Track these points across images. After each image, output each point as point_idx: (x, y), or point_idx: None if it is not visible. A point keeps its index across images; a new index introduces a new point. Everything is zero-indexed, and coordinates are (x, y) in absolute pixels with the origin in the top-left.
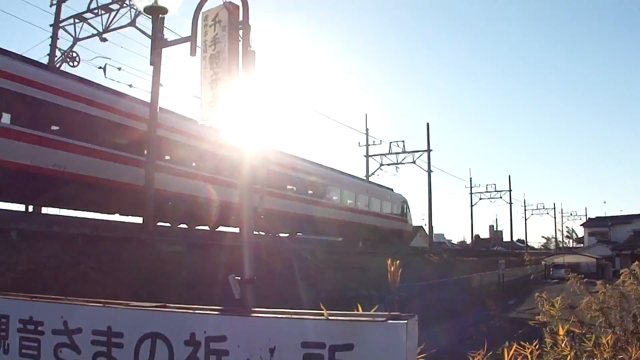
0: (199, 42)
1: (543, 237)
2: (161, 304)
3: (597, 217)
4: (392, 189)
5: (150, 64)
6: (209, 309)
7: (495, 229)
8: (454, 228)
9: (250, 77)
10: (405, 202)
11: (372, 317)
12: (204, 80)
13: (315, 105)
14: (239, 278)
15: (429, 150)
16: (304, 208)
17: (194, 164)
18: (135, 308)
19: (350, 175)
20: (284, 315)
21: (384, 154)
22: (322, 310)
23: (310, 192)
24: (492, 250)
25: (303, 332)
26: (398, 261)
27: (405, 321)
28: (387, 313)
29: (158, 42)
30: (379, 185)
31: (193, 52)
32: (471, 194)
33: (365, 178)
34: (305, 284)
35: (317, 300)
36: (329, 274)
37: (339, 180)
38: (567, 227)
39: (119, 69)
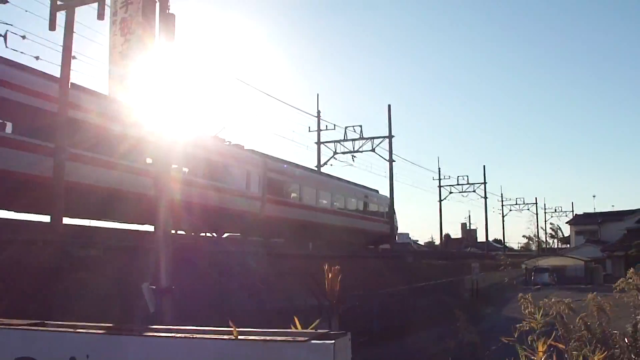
0: (108, 1)
1: (524, 236)
2: (39, 321)
3: (585, 214)
4: (377, 190)
5: (50, 29)
6: (95, 327)
7: (468, 228)
8: (421, 227)
9: (169, 46)
10: (390, 204)
11: (293, 337)
12: (114, 49)
13: (260, 85)
14: (155, 287)
15: (390, 137)
16: (248, 204)
17: (110, 151)
18: (5, 327)
19: (336, 178)
20: (182, 335)
21: (339, 141)
22: (232, 327)
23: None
24: (464, 252)
25: (205, 355)
26: (337, 266)
27: (333, 341)
28: (313, 331)
29: (55, 4)
30: (363, 186)
31: (101, 15)
32: (440, 186)
33: (317, 169)
34: (245, 293)
35: (260, 314)
36: (275, 281)
37: (307, 178)
38: (551, 224)
39: (23, 37)
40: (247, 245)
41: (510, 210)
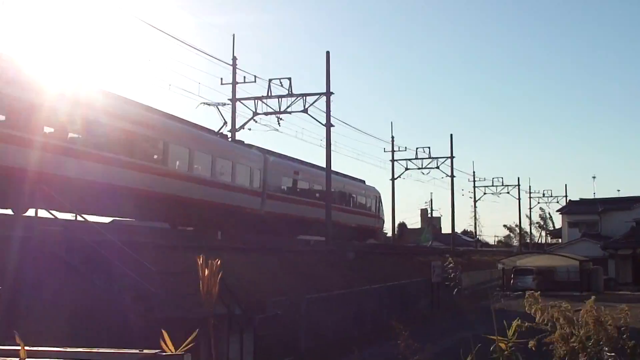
0: None
1: (505, 226)
2: None
3: (582, 200)
4: (364, 181)
5: None
6: None
7: (429, 215)
8: None
9: None
10: (378, 196)
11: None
12: None
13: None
14: None
15: (328, 94)
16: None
17: None
18: None
19: (317, 167)
20: None
21: (261, 98)
22: (19, 346)
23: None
24: (424, 247)
25: None
26: (218, 260)
27: None
28: (138, 352)
29: None
30: (346, 175)
31: None
32: (393, 160)
33: (230, 133)
34: (130, 296)
35: (148, 324)
36: (170, 282)
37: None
38: (541, 209)
39: None
40: (140, 234)
41: (485, 193)
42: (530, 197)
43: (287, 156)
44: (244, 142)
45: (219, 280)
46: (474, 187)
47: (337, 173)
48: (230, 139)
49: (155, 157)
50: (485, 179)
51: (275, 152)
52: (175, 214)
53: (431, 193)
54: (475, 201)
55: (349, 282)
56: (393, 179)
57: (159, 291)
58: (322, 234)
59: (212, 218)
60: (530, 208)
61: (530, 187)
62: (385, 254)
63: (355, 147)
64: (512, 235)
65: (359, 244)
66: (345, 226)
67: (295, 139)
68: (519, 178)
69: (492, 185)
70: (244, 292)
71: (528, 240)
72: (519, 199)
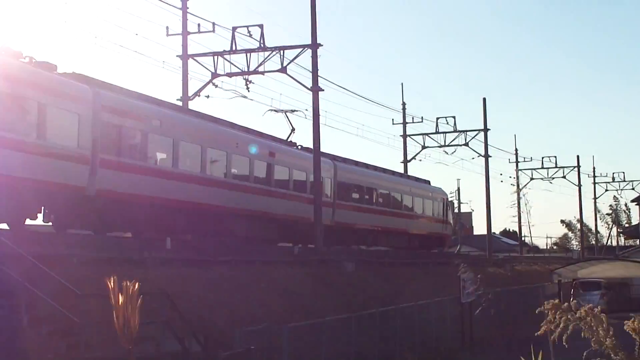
0: None
1: (562, 222)
2: None
3: None
4: (429, 182)
5: None
6: None
7: (455, 210)
8: None
9: None
10: (445, 199)
11: None
12: None
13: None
14: None
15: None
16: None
17: None
18: None
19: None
20: None
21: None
22: None
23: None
24: (450, 253)
25: None
26: (136, 283)
27: None
28: None
29: None
30: (410, 176)
31: None
32: (405, 136)
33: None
34: (46, 330)
35: None
36: (98, 307)
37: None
38: (615, 198)
39: None
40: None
41: (532, 178)
42: (595, 183)
43: (352, 160)
44: (310, 149)
45: (136, 307)
46: (517, 170)
47: (399, 174)
48: (300, 148)
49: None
50: (532, 159)
51: (342, 157)
52: (256, 229)
53: (458, 180)
54: (519, 189)
55: (347, 303)
56: (405, 161)
57: (85, 322)
58: (400, 243)
59: (286, 231)
60: (595, 198)
61: (594, 168)
62: (397, 263)
63: (352, 118)
64: (570, 235)
65: (360, 250)
66: (411, 234)
67: (270, 108)
68: (578, 157)
69: (542, 168)
70: (205, 321)
71: (593, 242)
72: (580, 185)
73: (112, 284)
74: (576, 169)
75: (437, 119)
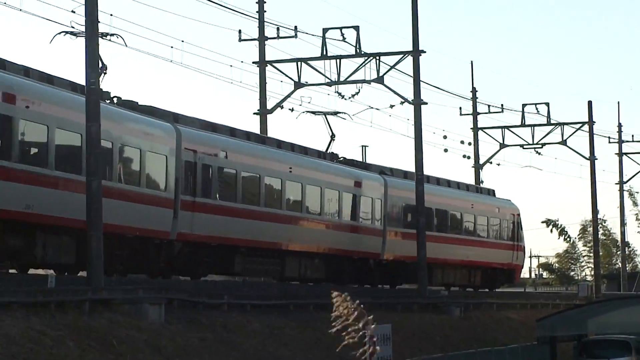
0: None
1: (548, 222)
2: None
3: None
4: (494, 192)
5: None
6: None
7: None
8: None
9: None
10: (516, 214)
11: None
12: None
13: None
14: None
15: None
16: None
17: None
18: None
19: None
20: None
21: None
22: None
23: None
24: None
25: None
26: None
27: None
28: None
29: None
30: (474, 187)
31: None
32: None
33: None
34: None
35: None
36: None
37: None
38: None
39: None
40: None
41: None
42: (622, 154)
43: (401, 170)
44: (355, 161)
45: None
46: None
47: (456, 184)
48: (342, 160)
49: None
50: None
51: (388, 168)
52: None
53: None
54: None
55: None
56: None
57: None
58: (459, 278)
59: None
60: (622, 182)
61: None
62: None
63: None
64: (578, 250)
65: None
66: (472, 267)
67: (307, 110)
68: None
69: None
70: None
71: (618, 265)
72: (593, 156)
73: None
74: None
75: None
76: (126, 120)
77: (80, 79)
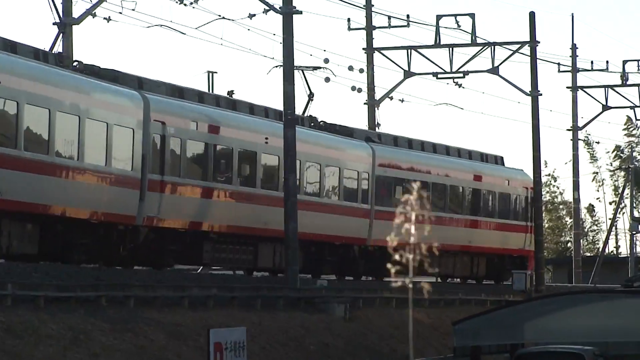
0: None
1: None
2: None
3: None
4: (502, 159)
5: None
6: None
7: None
8: None
9: None
10: (530, 188)
11: None
12: None
13: None
14: None
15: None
16: None
17: None
18: None
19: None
20: None
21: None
22: None
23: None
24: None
25: None
26: None
27: None
28: None
29: None
30: (479, 153)
31: None
32: (576, 89)
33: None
34: None
35: None
36: None
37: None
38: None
39: None
40: None
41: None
42: (576, 88)
43: (390, 135)
44: (338, 125)
45: None
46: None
47: (456, 150)
48: (322, 124)
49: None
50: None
51: (375, 132)
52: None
53: None
54: None
55: None
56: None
57: None
58: (459, 268)
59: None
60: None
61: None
62: None
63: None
64: None
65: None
66: (474, 253)
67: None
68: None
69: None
70: None
71: (569, 242)
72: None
73: None
74: None
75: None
76: (93, 90)
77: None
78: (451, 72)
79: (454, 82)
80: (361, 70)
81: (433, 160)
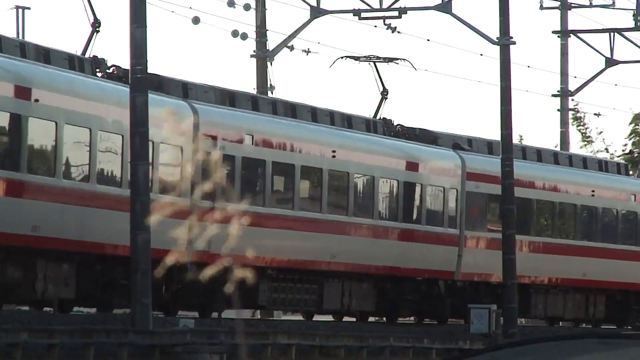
0: None
1: None
2: None
3: None
4: (626, 166)
5: None
6: None
7: None
8: None
9: None
10: None
11: None
12: None
13: None
14: None
15: None
16: None
17: None
18: None
19: None
20: None
21: None
22: None
23: None
24: None
25: None
26: None
27: None
28: None
29: None
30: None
31: None
32: None
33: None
34: None
35: None
36: None
37: None
38: None
39: None
40: None
41: None
42: None
43: (484, 140)
44: (420, 129)
45: None
46: None
47: (580, 158)
48: (399, 129)
49: None
50: None
51: (465, 137)
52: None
53: None
54: None
55: None
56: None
57: None
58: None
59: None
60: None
61: None
62: None
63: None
64: None
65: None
66: (580, 288)
67: (346, 55)
68: None
69: None
70: None
71: None
72: None
73: None
74: None
75: None
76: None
77: None
78: (381, 10)
79: (385, 23)
80: (247, 7)
81: (539, 171)
